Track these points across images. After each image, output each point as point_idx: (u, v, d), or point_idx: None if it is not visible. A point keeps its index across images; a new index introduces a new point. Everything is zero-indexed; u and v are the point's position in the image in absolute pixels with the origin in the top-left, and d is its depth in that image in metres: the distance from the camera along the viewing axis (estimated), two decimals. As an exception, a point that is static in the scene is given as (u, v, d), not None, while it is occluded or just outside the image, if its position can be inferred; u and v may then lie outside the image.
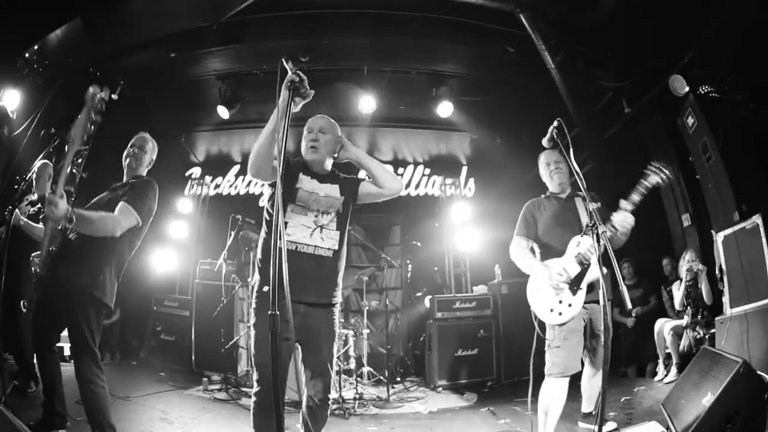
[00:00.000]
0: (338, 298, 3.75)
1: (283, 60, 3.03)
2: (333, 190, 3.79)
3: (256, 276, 3.68)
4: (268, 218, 3.68)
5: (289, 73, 3.01)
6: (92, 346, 3.95)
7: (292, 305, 2.99)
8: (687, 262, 6.74)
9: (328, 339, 3.67)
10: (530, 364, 4.47)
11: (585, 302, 4.28)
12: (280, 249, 2.65)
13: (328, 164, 3.89)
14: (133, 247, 4.31)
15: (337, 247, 3.70)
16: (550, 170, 4.76)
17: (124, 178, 4.45)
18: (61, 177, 3.63)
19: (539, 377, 4.39)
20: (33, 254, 4.04)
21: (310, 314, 3.52)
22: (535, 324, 4.41)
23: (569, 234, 4.43)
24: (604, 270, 4.18)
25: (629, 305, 3.57)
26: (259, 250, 3.71)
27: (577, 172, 3.89)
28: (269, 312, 2.55)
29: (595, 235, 3.75)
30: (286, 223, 3.53)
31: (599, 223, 3.70)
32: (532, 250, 4.65)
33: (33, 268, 3.98)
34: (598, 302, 4.30)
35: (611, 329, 3.63)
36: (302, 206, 3.66)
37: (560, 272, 4.28)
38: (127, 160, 4.44)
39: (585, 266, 4.28)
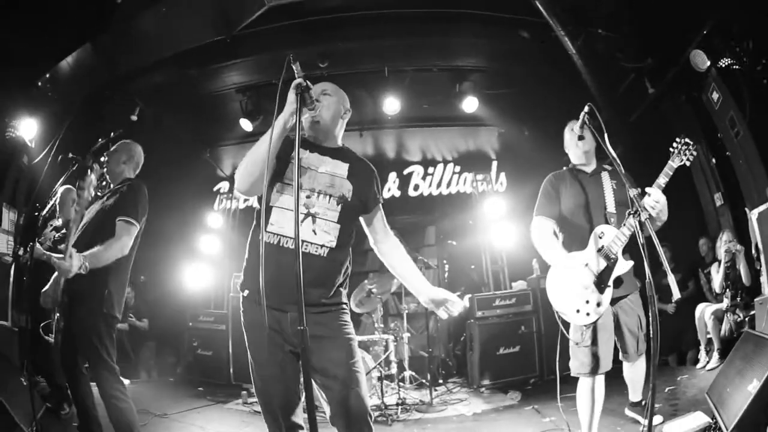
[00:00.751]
0: (341, 299, 2.99)
1: (290, 58, 2.66)
2: (338, 168, 3.03)
3: (241, 276, 3.02)
4: (257, 206, 3.03)
5: (297, 76, 2.71)
6: (109, 360, 4.00)
7: (278, 314, 2.75)
8: (724, 243, 6.46)
9: (336, 347, 2.83)
10: (556, 364, 4.28)
11: (612, 299, 3.99)
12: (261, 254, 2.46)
13: (334, 135, 3.17)
14: (133, 251, 4.30)
15: (334, 245, 2.90)
16: (576, 137, 4.31)
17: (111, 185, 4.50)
18: (70, 239, 3.78)
19: (567, 377, 4.21)
20: (42, 290, 4.07)
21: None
22: (559, 323, 4.15)
23: (594, 218, 4.10)
24: (631, 262, 3.97)
25: (677, 294, 3.31)
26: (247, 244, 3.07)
27: (613, 156, 3.64)
28: (301, 327, 2.26)
29: (638, 222, 3.51)
30: (271, 208, 2.89)
31: (642, 209, 3.46)
32: (555, 235, 4.30)
33: (43, 302, 4.06)
34: (624, 297, 4.08)
35: (658, 319, 3.37)
36: (291, 184, 2.81)
37: (588, 275, 3.95)
38: (104, 167, 4.48)
39: (612, 260, 3.95)
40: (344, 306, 3.00)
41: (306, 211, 2.88)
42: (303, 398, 2.64)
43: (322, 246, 2.86)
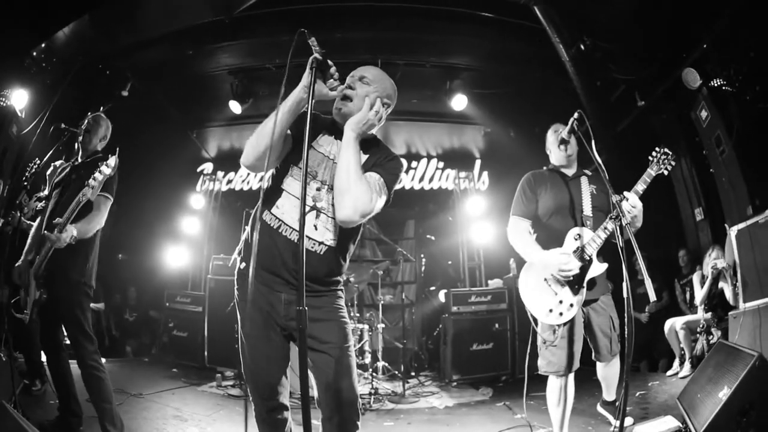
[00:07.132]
0: (338, 285, 2.87)
1: (306, 33, 2.44)
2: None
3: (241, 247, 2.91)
4: (264, 186, 2.74)
5: (313, 51, 2.47)
6: (88, 331, 4.16)
7: (271, 295, 2.69)
8: (712, 259, 6.48)
9: (330, 328, 2.72)
10: (525, 363, 4.37)
11: (585, 300, 4.03)
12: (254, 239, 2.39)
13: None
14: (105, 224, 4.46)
15: (334, 244, 2.74)
16: (559, 140, 4.31)
17: (79, 158, 4.58)
18: (66, 216, 3.96)
19: (538, 376, 4.29)
20: (15, 265, 4.21)
21: (294, 302, 2.62)
22: (532, 321, 4.18)
23: (570, 220, 4.13)
24: (605, 265, 4.06)
25: (654, 297, 3.45)
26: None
27: (599, 163, 3.71)
28: (298, 307, 2.12)
29: (618, 227, 3.64)
30: (282, 191, 2.74)
31: (623, 215, 3.54)
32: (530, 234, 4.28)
33: (15, 276, 4.19)
34: (596, 300, 4.13)
35: (633, 320, 3.47)
36: (307, 170, 2.51)
37: (565, 266, 3.93)
38: (80, 137, 4.57)
39: (586, 262, 3.99)
40: (339, 292, 2.88)
41: (312, 203, 2.70)
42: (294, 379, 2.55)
43: (320, 243, 2.71)
